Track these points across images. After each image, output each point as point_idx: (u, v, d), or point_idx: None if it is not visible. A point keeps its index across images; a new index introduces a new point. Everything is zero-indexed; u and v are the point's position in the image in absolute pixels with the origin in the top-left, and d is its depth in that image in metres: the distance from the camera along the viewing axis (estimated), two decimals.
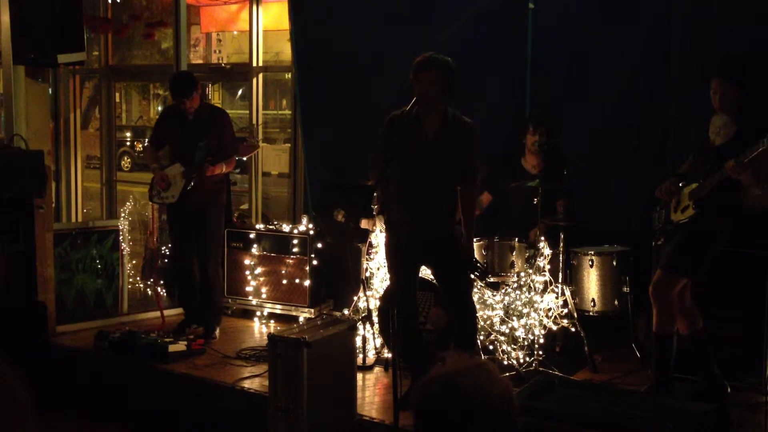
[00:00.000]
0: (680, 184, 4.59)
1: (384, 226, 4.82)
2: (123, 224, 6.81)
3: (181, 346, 5.55)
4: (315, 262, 6.44)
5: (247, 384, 5.08)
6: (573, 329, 5.36)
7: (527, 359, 5.12)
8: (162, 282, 7.06)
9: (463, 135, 4.56)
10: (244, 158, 5.82)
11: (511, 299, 5.25)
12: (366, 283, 5.56)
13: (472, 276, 4.83)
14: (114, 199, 9.46)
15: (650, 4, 5.66)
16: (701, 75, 4.79)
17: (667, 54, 5.53)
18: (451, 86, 4.46)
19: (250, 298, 6.64)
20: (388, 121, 4.58)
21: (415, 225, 4.55)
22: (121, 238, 6.78)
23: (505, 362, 5.07)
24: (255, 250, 6.60)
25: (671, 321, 4.60)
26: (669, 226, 4.62)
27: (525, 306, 5.22)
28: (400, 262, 4.64)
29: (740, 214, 4.51)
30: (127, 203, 7.37)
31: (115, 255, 6.75)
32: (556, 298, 5.36)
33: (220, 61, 10.97)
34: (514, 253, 5.38)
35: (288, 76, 9.18)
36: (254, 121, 8.09)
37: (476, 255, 5.31)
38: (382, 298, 5.38)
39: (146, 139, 19.39)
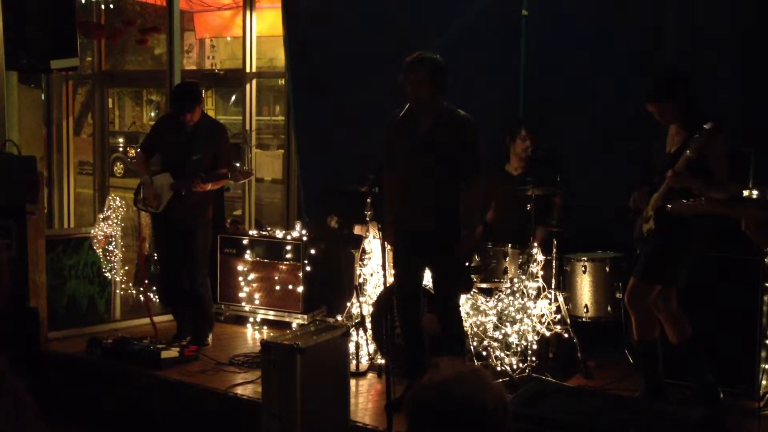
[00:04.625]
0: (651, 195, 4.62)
1: (379, 232, 4.82)
2: (116, 230, 6.77)
3: (173, 352, 5.53)
4: (308, 268, 6.43)
5: (239, 390, 5.06)
6: (566, 335, 5.36)
7: (520, 365, 5.12)
8: (154, 288, 7.03)
9: (455, 128, 4.52)
10: (236, 183, 5.78)
11: (505, 305, 5.25)
12: (359, 289, 5.55)
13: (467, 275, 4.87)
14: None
15: (644, 8, 5.67)
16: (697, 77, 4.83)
17: (662, 56, 5.54)
18: (442, 84, 4.45)
19: (243, 304, 6.62)
20: (387, 122, 4.61)
21: (412, 224, 4.60)
22: (113, 244, 6.76)
23: (498, 368, 5.06)
24: (248, 256, 6.59)
25: (651, 327, 4.62)
26: (639, 235, 4.65)
27: (518, 312, 5.22)
28: (400, 262, 4.72)
29: (703, 220, 4.41)
30: (108, 199, 7.18)
31: (106, 260, 6.73)
32: (549, 304, 5.36)
33: (214, 67, 10.95)
34: (507, 259, 5.39)
35: (281, 82, 9.18)
36: (247, 127, 8.09)
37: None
38: (375, 304, 5.37)
39: (138, 146, 19.45)
